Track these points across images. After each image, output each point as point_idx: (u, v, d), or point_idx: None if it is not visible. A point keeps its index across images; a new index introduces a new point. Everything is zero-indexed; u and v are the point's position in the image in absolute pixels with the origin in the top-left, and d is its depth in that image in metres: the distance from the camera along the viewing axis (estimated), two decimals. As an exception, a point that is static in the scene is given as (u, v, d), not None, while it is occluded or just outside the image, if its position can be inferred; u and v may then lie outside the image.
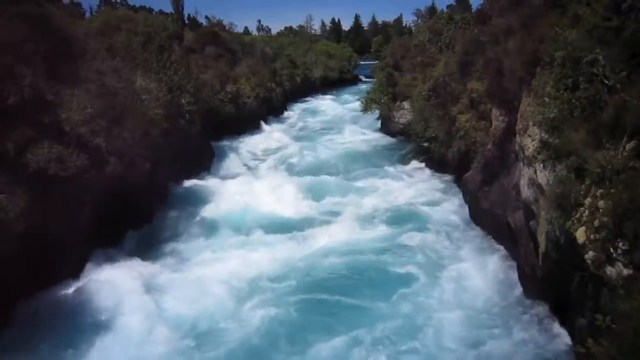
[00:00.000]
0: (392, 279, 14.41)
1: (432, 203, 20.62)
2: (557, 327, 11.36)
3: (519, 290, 13.24)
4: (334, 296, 13.47)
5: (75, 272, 13.89)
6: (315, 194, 21.79)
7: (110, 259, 14.90)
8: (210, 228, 18.38)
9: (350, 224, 18.60)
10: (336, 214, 19.68)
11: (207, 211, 19.86)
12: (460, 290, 13.57)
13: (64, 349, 11.16)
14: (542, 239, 11.01)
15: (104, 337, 11.56)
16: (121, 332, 11.76)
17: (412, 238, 16.95)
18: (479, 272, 14.41)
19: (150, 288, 13.68)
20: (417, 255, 15.71)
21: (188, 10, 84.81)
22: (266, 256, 15.83)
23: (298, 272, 14.91)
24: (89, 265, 14.37)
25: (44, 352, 11.04)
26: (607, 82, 9.09)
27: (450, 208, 19.90)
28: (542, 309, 12.20)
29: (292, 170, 26.91)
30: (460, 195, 20.34)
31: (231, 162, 28.29)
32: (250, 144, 33.23)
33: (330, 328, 12.01)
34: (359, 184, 23.76)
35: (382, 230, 18.07)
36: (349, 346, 11.32)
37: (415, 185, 23.25)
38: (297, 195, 21.47)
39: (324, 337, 11.64)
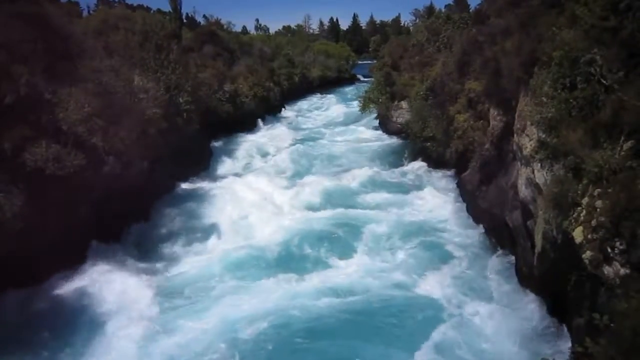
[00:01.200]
0: (406, 322, 12.24)
1: (436, 211, 19.34)
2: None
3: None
4: (338, 343, 11.55)
5: (72, 269, 13.89)
6: (314, 203, 20.85)
7: (108, 258, 14.86)
8: (208, 234, 17.70)
9: (351, 246, 16.65)
10: (337, 230, 17.74)
11: (204, 216, 19.33)
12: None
13: (49, 345, 11.24)
14: (539, 239, 11.03)
15: (94, 334, 11.64)
16: (111, 330, 11.82)
17: (426, 270, 14.71)
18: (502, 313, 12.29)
19: (144, 289, 13.68)
20: (432, 293, 13.51)
21: (186, 9, 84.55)
22: (257, 290, 13.92)
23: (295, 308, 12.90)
24: (85, 263, 14.35)
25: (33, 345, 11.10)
26: (604, 81, 9.11)
27: (456, 220, 18.34)
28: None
29: (288, 172, 26.62)
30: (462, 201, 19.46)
31: (228, 162, 28.27)
32: (248, 143, 33.12)
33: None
34: (358, 188, 22.87)
35: (387, 256, 15.84)
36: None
37: (415, 191, 21.93)
38: (293, 206, 20.48)
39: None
